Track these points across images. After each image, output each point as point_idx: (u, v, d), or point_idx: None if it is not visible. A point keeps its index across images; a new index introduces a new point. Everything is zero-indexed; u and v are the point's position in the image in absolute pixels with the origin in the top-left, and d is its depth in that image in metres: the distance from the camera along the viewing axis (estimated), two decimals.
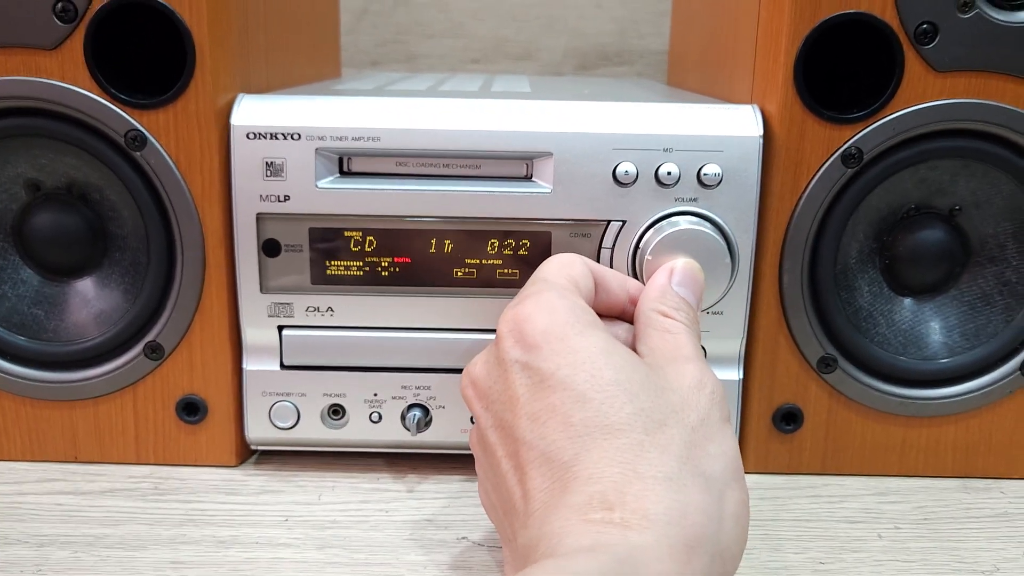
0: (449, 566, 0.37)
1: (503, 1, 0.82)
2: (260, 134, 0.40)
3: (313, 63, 0.60)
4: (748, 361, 0.44)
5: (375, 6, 0.81)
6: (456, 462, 0.45)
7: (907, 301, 0.44)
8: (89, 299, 0.44)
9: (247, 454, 0.46)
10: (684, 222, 0.40)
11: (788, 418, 0.44)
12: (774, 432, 0.44)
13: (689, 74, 0.61)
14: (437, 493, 0.43)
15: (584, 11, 0.82)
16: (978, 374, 0.44)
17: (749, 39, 0.44)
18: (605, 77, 0.83)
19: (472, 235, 0.42)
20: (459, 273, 0.42)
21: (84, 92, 0.40)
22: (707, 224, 0.40)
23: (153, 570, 0.36)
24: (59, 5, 0.39)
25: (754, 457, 0.45)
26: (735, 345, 0.43)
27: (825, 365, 0.43)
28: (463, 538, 0.39)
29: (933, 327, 0.44)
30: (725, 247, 0.40)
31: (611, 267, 0.41)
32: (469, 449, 0.36)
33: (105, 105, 0.40)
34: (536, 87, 0.59)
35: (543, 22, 0.82)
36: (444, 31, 0.83)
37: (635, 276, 0.41)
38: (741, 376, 0.44)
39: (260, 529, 0.40)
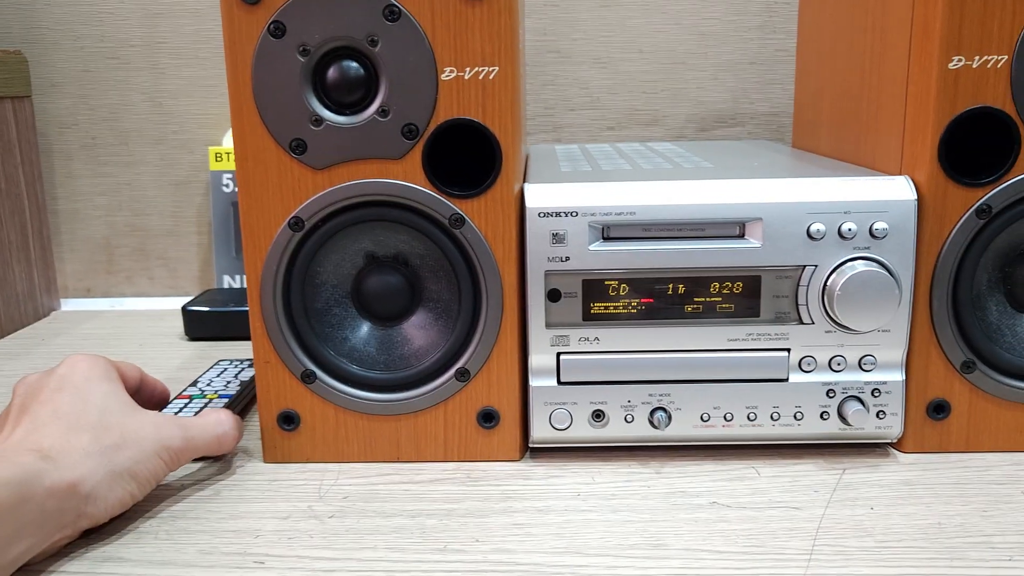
0: (710, 521, 0.51)
1: (633, 77, 0.97)
2: (547, 213, 0.56)
3: None
4: (908, 366, 0.58)
5: (527, 87, 0.96)
6: (689, 452, 0.59)
7: None
8: (409, 339, 0.59)
9: (525, 452, 0.61)
10: (861, 265, 0.55)
11: (939, 409, 0.58)
12: (928, 420, 0.58)
13: (820, 140, 0.75)
14: (680, 474, 0.57)
15: (703, 83, 0.97)
16: None
17: (895, 123, 0.58)
18: (723, 140, 0.98)
19: (699, 280, 0.56)
20: (689, 308, 0.57)
21: (421, 188, 0.55)
22: (879, 265, 0.55)
23: (502, 528, 0.51)
24: (406, 128, 0.55)
25: (912, 439, 0.59)
26: (899, 353, 0.57)
27: (966, 367, 0.57)
28: (714, 503, 0.53)
29: None
30: (893, 281, 0.54)
31: (805, 301, 0.56)
32: (703, 441, 0.55)
33: (436, 197, 0.55)
34: (698, 153, 0.74)
35: (668, 94, 0.98)
36: (584, 104, 0.98)
37: (824, 306, 0.55)
38: (904, 377, 0.58)
39: (562, 500, 0.54)
